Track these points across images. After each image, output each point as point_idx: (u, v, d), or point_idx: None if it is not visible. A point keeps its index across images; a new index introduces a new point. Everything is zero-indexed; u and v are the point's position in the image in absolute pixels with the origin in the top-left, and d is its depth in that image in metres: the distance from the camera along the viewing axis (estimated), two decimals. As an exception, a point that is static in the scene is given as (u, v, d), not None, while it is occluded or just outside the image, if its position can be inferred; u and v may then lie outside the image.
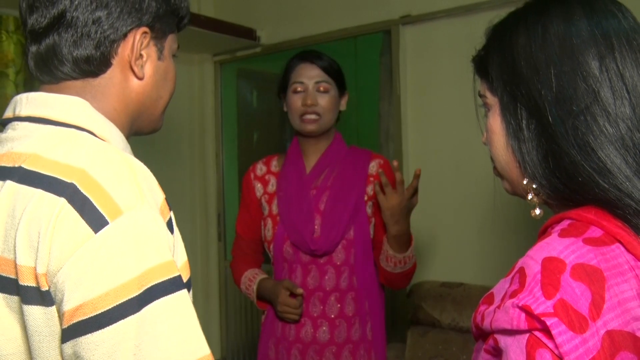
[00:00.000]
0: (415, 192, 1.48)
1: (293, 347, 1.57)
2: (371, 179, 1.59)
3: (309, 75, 1.57)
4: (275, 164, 1.71)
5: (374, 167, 1.61)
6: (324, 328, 1.55)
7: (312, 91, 1.56)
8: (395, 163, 1.48)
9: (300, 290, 1.52)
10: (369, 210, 1.58)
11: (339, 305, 1.55)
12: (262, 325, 1.68)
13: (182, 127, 3.35)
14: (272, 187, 1.67)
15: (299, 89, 1.57)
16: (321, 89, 1.56)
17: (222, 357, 3.32)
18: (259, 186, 1.69)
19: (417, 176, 1.47)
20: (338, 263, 1.56)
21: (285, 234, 1.59)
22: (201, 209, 3.41)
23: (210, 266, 3.39)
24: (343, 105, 1.64)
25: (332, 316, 1.56)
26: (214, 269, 3.39)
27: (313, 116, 1.56)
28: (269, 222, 1.63)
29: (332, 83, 1.59)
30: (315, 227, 1.56)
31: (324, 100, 1.56)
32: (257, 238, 1.68)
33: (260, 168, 1.71)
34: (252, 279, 1.65)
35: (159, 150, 3.11)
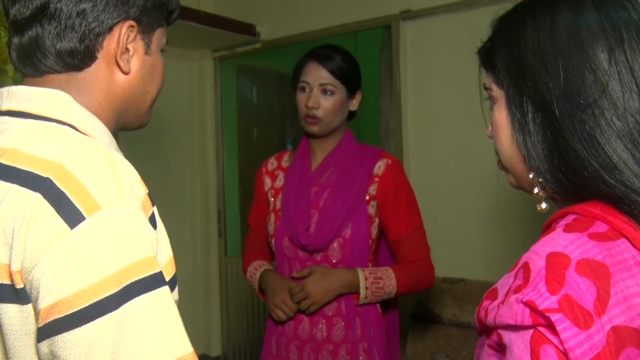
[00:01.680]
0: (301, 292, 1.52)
1: (291, 343, 1.57)
2: (376, 179, 1.57)
3: (315, 76, 1.56)
4: (286, 159, 1.72)
5: (380, 166, 1.59)
6: (321, 326, 1.55)
7: (316, 93, 1.56)
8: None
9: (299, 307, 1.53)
10: (371, 210, 1.57)
11: (336, 303, 1.55)
12: (267, 320, 1.69)
13: (182, 123, 3.34)
14: (279, 182, 1.68)
15: (304, 88, 1.58)
16: (325, 90, 1.56)
17: (223, 354, 3.32)
18: (267, 180, 1.71)
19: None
20: (334, 261, 1.55)
21: (284, 229, 1.59)
22: (201, 205, 3.40)
23: (210, 262, 3.39)
24: (354, 106, 1.63)
25: (330, 314, 1.55)
26: (214, 265, 3.39)
27: (314, 119, 1.56)
28: (272, 216, 1.64)
29: (339, 85, 1.57)
30: (312, 223, 1.56)
31: (327, 103, 1.56)
32: (267, 232, 1.69)
33: (271, 163, 1.73)
34: (258, 268, 1.66)
35: (159, 147, 3.10)
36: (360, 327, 1.56)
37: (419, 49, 2.58)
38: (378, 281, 1.52)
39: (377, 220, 1.58)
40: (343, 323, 1.55)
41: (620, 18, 0.65)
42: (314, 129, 1.57)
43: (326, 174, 1.62)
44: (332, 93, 1.56)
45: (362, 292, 1.51)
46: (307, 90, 1.57)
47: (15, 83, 0.75)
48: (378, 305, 1.60)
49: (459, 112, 2.42)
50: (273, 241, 1.62)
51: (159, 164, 3.10)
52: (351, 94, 1.61)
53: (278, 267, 1.64)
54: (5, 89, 0.73)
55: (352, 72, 1.60)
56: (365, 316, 1.57)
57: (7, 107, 0.72)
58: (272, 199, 1.67)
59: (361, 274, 1.51)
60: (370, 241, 1.57)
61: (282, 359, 1.59)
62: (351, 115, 1.65)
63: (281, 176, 1.68)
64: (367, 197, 1.57)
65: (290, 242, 1.59)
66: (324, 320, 1.55)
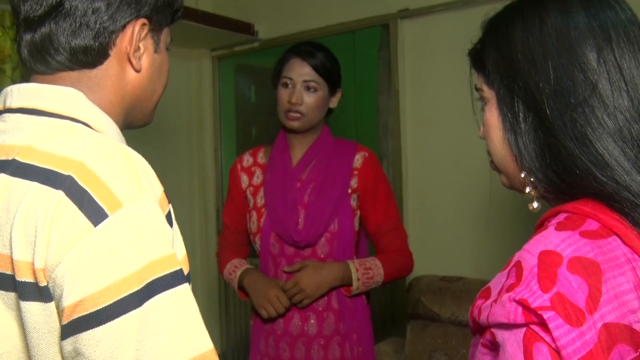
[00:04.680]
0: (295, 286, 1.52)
1: (281, 340, 1.58)
2: (355, 172, 1.60)
3: (299, 73, 1.57)
4: (262, 156, 1.71)
5: (358, 160, 1.62)
6: (312, 321, 1.56)
7: (299, 89, 1.56)
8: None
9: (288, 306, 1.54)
10: (353, 202, 1.59)
11: (326, 298, 1.56)
12: (251, 318, 1.68)
13: (180, 122, 3.34)
14: (257, 179, 1.67)
15: (287, 84, 1.58)
16: (309, 87, 1.56)
17: (223, 353, 3.33)
18: (244, 178, 1.69)
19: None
20: (322, 255, 1.57)
21: (270, 225, 1.59)
22: (200, 204, 3.41)
23: (210, 261, 3.39)
24: (334, 103, 1.64)
25: (320, 309, 1.57)
26: (213, 264, 3.39)
27: (297, 114, 1.56)
28: (254, 214, 1.63)
29: (322, 82, 1.58)
30: (300, 219, 1.57)
31: (310, 99, 1.56)
32: (243, 229, 1.69)
33: (247, 159, 1.72)
34: (238, 265, 1.65)
35: (157, 146, 3.10)
36: (350, 320, 1.57)
37: (417, 47, 2.58)
38: (368, 272, 1.54)
39: (358, 212, 1.61)
40: (334, 317, 1.56)
41: (607, 18, 0.66)
42: (295, 124, 1.58)
43: (307, 169, 1.63)
44: (315, 90, 1.57)
45: (355, 283, 1.52)
46: (290, 86, 1.57)
47: (14, 82, 0.75)
48: (364, 296, 1.62)
49: (457, 111, 2.42)
50: (257, 238, 1.62)
51: (157, 164, 3.06)
52: (332, 91, 1.62)
53: (262, 264, 1.63)
54: (15, 86, 0.73)
55: (334, 69, 1.61)
56: (354, 308, 1.59)
57: (18, 104, 0.72)
58: (252, 197, 1.66)
59: (352, 266, 1.53)
60: (354, 233, 1.59)
61: (272, 357, 1.59)
62: (329, 112, 1.67)
63: (258, 173, 1.68)
64: (349, 190, 1.59)
65: (277, 239, 1.59)
66: (314, 315, 1.56)
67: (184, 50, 3.32)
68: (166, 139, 3.21)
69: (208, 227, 3.39)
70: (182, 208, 3.30)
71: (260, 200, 1.63)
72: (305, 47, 1.61)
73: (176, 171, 3.30)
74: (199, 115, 3.40)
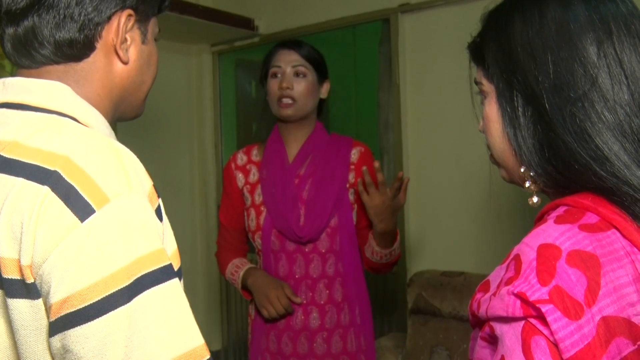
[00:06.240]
0: (398, 192, 1.50)
1: (284, 334, 1.59)
2: (352, 166, 1.61)
3: (287, 60, 1.58)
4: (255, 153, 1.70)
5: (355, 154, 1.63)
6: (315, 314, 1.57)
7: (288, 75, 1.57)
8: (376, 164, 1.51)
9: (299, 300, 1.55)
10: (351, 197, 1.61)
11: (327, 291, 1.58)
12: (249, 316, 1.69)
13: (181, 118, 3.34)
14: (253, 176, 1.67)
15: (277, 73, 1.59)
16: (298, 73, 1.57)
17: (224, 347, 3.34)
18: (240, 176, 1.68)
19: (398, 179, 1.50)
20: (323, 250, 1.58)
21: (272, 222, 1.59)
22: (201, 200, 3.41)
23: (210, 257, 3.39)
24: (324, 93, 1.65)
25: (322, 302, 1.58)
26: (214, 259, 3.38)
27: (289, 100, 1.57)
28: (252, 212, 1.63)
29: (310, 68, 1.59)
30: (300, 215, 1.57)
31: (300, 85, 1.57)
32: (241, 228, 1.69)
33: (240, 158, 1.71)
34: (240, 265, 1.65)
35: (157, 142, 3.10)
36: (352, 312, 1.59)
37: (418, 42, 2.58)
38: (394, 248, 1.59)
39: (355, 206, 1.62)
40: (335, 309, 1.57)
41: (608, 11, 0.65)
42: (289, 112, 1.58)
43: (305, 165, 1.63)
44: (304, 75, 1.58)
45: (396, 243, 1.57)
46: (280, 74, 1.58)
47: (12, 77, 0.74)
48: (366, 287, 1.64)
49: (458, 106, 2.42)
50: (257, 236, 1.62)
51: (157, 159, 3.09)
52: (320, 79, 1.63)
53: (264, 261, 1.63)
54: (0, 81, 0.72)
55: (320, 57, 1.63)
56: (355, 301, 1.60)
57: (4, 99, 0.70)
58: (249, 194, 1.65)
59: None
60: (354, 227, 1.61)
61: (274, 352, 1.60)
62: (321, 105, 1.67)
63: (254, 170, 1.67)
64: (347, 185, 1.61)
65: (278, 235, 1.59)
66: (316, 309, 1.57)
67: (184, 46, 3.31)
68: (166, 134, 3.21)
69: (209, 223, 3.39)
70: (182, 204, 3.30)
71: (258, 198, 1.63)
72: (290, 39, 1.65)
73: (177, 167, 3.30)
74: (200, 111, 3.40)
